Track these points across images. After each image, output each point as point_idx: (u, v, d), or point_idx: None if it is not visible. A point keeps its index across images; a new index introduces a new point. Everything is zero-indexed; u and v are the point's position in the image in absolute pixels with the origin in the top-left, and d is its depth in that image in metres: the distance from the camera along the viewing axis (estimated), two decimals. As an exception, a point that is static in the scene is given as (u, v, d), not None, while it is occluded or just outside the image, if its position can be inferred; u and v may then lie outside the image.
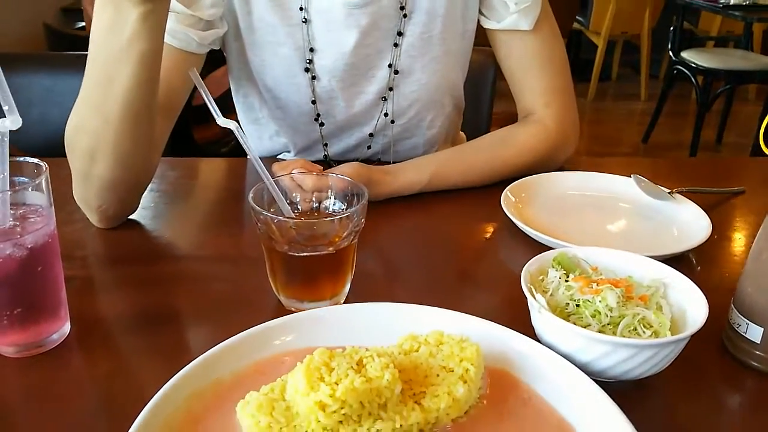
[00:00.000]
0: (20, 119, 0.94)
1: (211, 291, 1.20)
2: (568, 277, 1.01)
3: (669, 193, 1.45)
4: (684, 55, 6.06)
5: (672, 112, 6.86)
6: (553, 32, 1.60)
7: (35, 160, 0.98)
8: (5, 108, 0.94)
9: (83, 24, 4.57)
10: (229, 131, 1.13)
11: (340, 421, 0.76)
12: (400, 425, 0.78)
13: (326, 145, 1.67)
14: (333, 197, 1.16)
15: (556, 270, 1.02)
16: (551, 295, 0.98)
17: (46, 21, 4.43)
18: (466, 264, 1.33)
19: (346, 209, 1.10)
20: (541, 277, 1.02)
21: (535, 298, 0.94)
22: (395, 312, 1.00)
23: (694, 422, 0.92)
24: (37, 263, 0.96)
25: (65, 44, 4.01)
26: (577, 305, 0.95)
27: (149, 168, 1.33)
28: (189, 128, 2.77)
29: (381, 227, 1.42)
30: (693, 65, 5.87)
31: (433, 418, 0.81)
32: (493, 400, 0.87)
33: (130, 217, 1.43)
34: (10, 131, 0.94)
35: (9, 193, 0.90)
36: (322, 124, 1.62)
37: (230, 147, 3.00)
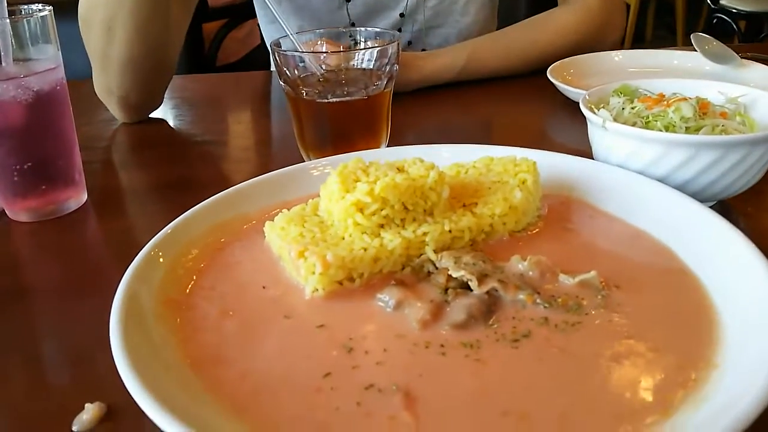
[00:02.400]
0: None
1: (237, 165, 1.12)
2: (632, 101, 0.88)
3: (739, 55, 1.30)
4: (723, 2, 5.78)
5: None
6: None
7: (39, 5, 0.90)
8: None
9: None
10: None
11: (381, 225, 0.66)
12: (450, 229, 0.67)
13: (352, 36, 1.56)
14: (362, 50, 1.05)
15: (619, 97, 0.90)
16: (615, 118, 0.85)
17: None
18: (511, 130, 1.22)
19: (377, 54, 0.99)
20: (601, 105, 0.90)
21: (597, 113, 0.82)
22: (441, 151, 0.89)
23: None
24: (45, 111, 0.88)
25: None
26: (647, 122, 0.83)
27: (169, 48, 1.25)
28: (213, 57, 2.67)
29: (412, 119, 1.30)
30: (734, 11, 5.58)
31: (487, 226, 0.70)
32: (553, 218, 0.76)
33: (154, 115, 1.35)
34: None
35: (7, 20, 0.82)
36: (349, 7, 1.50)
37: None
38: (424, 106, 1.36)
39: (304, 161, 1.02)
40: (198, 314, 0.62)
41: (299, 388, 0.52)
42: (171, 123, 1.35)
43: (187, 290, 0.65)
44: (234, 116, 1.44)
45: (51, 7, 0.88)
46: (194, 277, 0.67)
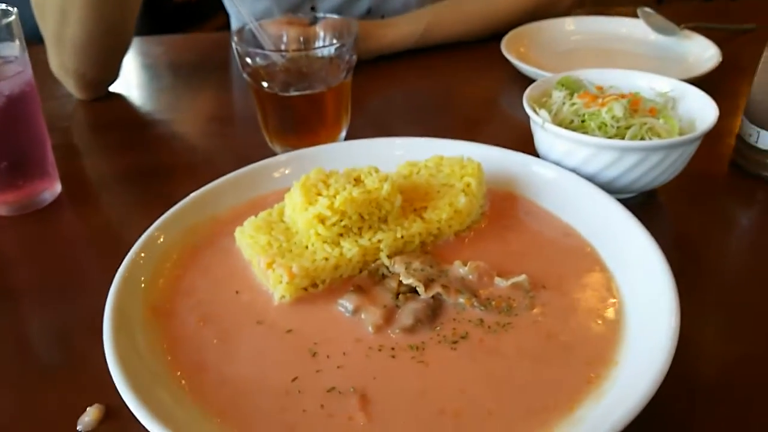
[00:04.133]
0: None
1: (202, 148, 1.17)
2: (572, 96, 0.96)
3: (679, 27, 1.38)
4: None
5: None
6: None
7: (2, 6, 0.91)
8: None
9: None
10: None
11: (341, 234, 0.74)
12: (402, 236, 0.76)
13: (313, 8, 1.58)
14: (322, 38, 1.09)
15: (560, 91, 0.97)
16: (555, 114, 0.93)
17: None
18: (465, 112, 1.28)
19: (336, 43, 1.04)
20: (544, 99, 0.97)
21: (537, 114, 0.90)
22: (394, 144, 0.97)
23: (702, 231, 0.90)
24: (17, 113, 0.92)
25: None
26: (583, 120, 0.91)
27: (126, 24, 1.26)
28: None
29: (374, 87, 1.36)
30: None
31: (435, 230, 0.79)
32: (495, 216, 0.85)
33: (113, 89, 1.38)
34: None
35: (-26, 31, 0.85)
36: None
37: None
38: (386, 74, 1.41)
39: (267, 143, 1.09)
40: (178, 322, 0.70)
41: (271, 392, 0.61)
42: (131, 98, 1.37)
43: (168, 297, 0.73)
44: (194, 88, 1.47)
45: (16, 10, 0.90)
46: (174, 283, 0.75)
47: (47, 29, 1.19)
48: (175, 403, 0.60)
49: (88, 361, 0.68)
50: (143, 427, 0.56)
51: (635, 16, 1.47)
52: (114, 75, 1.33)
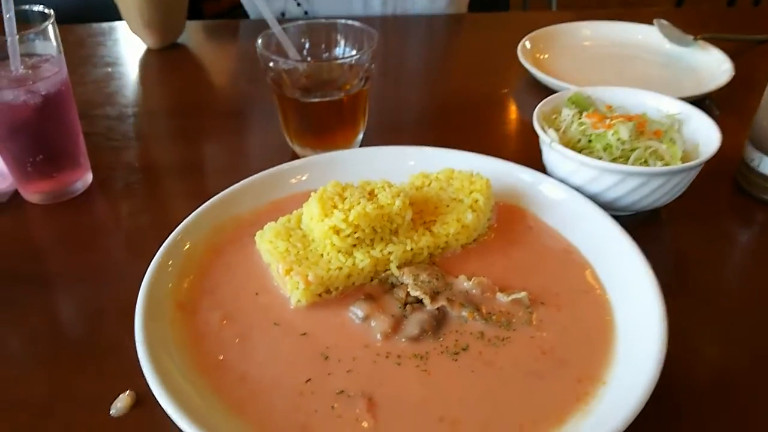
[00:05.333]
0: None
1: (226, 143, 1.22)
2: (581, 115, 1.00)
3: (693, 38, 1.40)
4: None
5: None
6: None
7: (40, 8, 0.96)
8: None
9: None
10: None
11: (354, 245, 0.80)
12: (411, 248, 0.81)
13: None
14: (343, 44, 1.13)
15: (570, 109, 1.01)
16: (564, 132, 0.97)
17: None
18: (480, 113, 1.32)
19: (356, 53, 1.08)
20: (554, 116, 1.01)
21: (546, 133, 0.94)
22: (407, 153, 1.01)
23: (702, 251, 0.94)
24: (52, 111, 0.97)
25: None
26: (590, 140, 0.95)
27: None
28: (200, 2, 2.68)
29: (390, 91, 1.40)
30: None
31: (442, 243, 0.84)
32: (501, 230, 0.90)
33: (134, 77, 1.43)
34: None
35: (17, 36, 0.89)
36: None
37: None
38: (401, 78, 1.44)
39: (288, 142, 1.14)
40: (202, 319, 0.76)
41: (286, 391, 0.67)
42: (158, 89, 1.43)
43: (194, 295, 0.79)
44: (220, 79, 1.52)
45: (52, 12, 0.95)
46: (199, 282, 0.81)
47: None
48: (198, 396, 0.66)
49: (121, 347, 0.74)
50: (169, 416, 0.62)
51: (654, 19, 1.48)
52: (180, 26, 1.60)
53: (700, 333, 0.79)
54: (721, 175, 1.07)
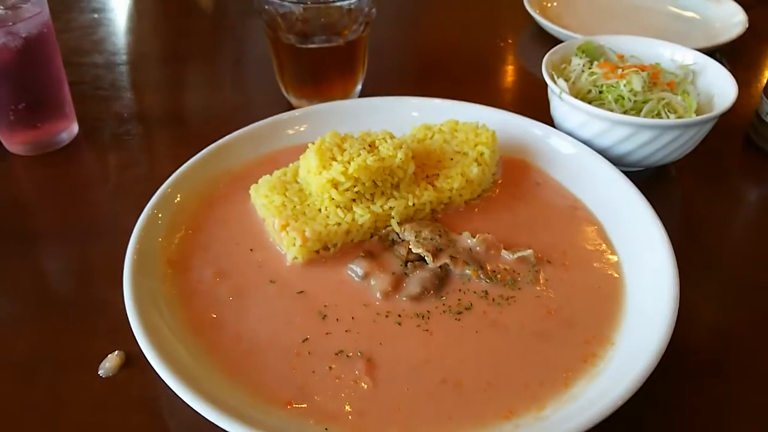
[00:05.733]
0: None
1: (218, 92, 1.17)
2: (592, 64, 0.95)
3: (706, -14, 1.34)
4: None
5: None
6: None
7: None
8: None
9: None
10: None
11: (353, 199, 0.76)
12: (413, 204, 0.77)
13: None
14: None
15: (580, 58, 0.96)
16: (573, 82, 0.93)
17: None
18: (484, 63, 1.27)
19: (356, -2, 1.01)
20: (564, 66, 0.97)
21: (556, 83, 0.90)
22: (410, 104, 0.97)
23: (712, 209, 0.91)
24: (34, 54, 0.91)
25: None
26: (600, 91, 0.91)
27: None
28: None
29: (392, 39, 1.34)
30: None
31: (446, 198, 0.80)
32: (506, 185, 0.86)
33: (122, 24, 1.37)
34: None
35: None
36: None
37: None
38: (404, 26, 1.38)
39: (282, 92, 1.08)
40: (195, 276, 0.73)
41: (282, 352, 0.65)
42: (151, 36, 1.36)
43: (185, 251, 0.75)
44: (216, 27, 1.45)
45: (31, -52, 0.89)
46: (191, 237, 0.77)
47: None
48: (190, 357, 0.63)
49: (109, 306, 0.71)
50: (161, 377, 0.59)
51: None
52: None
53: (706, 292, 0.77)
54: (732, 130, 1.03)
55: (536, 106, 0.98)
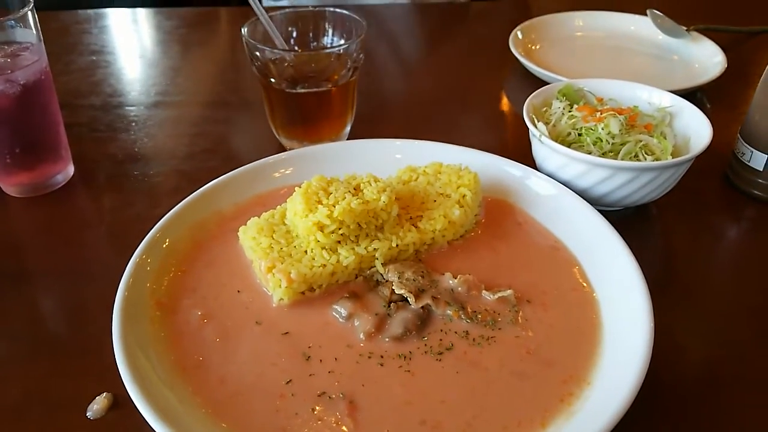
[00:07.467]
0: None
1: (211, 133, 1.20)
2: (572, 107, 0.98)
3: (686, 30, 1.38)
4: None
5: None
6: None
7: (18, -5, 0.93)
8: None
9: None
10: None
11: (339, 241, 0.78)
12: (397, 245, 0.80)
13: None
14: (331, 33, 1.11)
15: (561, 101, 0.99)
16: (554, 125, 0.96)
17: None
18: (470, 104, 1.30)
19: (344, 43, 1.06)
20: (544, 109, 1.00)
21: (536, 126, 0.93)
22: (394, 146, 1.00)
23: (691, 246, 0.93)
24: (32, 101, 0.94)
25: None
26: (579, 134, 0.94)
27: None
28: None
29: (380, 81, 1.38)
30: None
31: (429, 239, 0.82)
32: (488, 225, 0.88)
33: (123, 65, 1.40)
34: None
35: (-8, 24, 0.87)
36: None
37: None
38: (392, 69, 1.42)
39: (274, 133, 1.11)
40: (183, 318, 0.74)
41: (266, 393, 0.66)
42: (142, 78, 1.40)
43: (174, 293, 0.77)
44: (206, 67, 1.49)
45: (32, 1, 0.92)
46: (180, 278, 0.79)
47: None
48: (176, 399, 0.65)
49: (100, 346, 0.72)
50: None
51: (647, 9, 1.46)
52: None
53: (686, 330, 0.79)
54: (710, 169, 1.06)
55: (521, 146, 1.01)
